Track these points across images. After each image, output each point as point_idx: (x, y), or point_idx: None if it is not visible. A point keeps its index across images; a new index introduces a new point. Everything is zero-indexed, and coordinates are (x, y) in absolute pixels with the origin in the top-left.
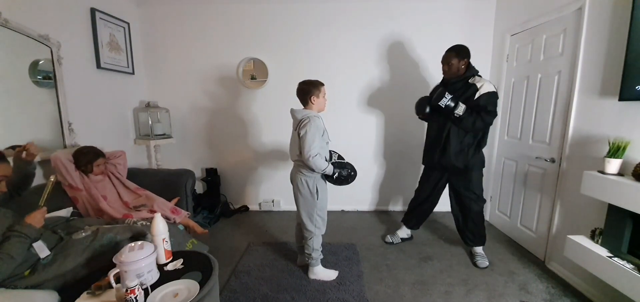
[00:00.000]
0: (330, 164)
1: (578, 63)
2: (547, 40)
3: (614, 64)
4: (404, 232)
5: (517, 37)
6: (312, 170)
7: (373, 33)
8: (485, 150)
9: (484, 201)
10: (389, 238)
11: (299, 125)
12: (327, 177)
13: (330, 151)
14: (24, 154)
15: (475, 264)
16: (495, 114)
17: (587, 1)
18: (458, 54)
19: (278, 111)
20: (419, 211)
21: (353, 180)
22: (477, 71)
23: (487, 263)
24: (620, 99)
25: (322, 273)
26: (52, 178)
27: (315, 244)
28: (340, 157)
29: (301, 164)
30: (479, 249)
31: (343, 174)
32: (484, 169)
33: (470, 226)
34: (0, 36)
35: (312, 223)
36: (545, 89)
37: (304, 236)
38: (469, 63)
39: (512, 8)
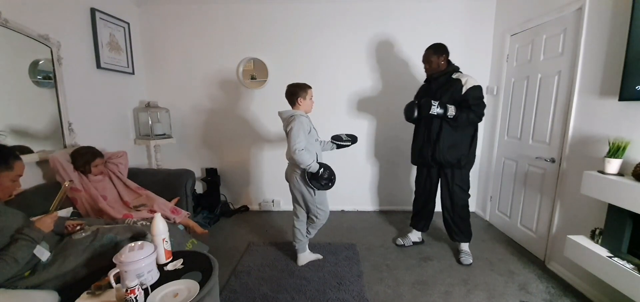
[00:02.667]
0: (315, 162)
1: (578, 63)
2: (547, 40)
3: (614, 64)
4: (415, 235)
5: (517, 37)
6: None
7: (373, 33)
8: (485, 150)
9: (469, 195)
10: (400, 241)
11: (286, 123)
12: (310, 176)
13: (340, 134)
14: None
15: (459, 261)
16: (484, 105)
17: (587, 1)
18: (435, 51)
19: (278, 111)
20: (425, 211)
21: (332, 185)
22: (458, 67)
23: (471, 260)
24: (620, 99)
25: (310, 256)
26: (67, 184)
27: (317, 227)
28: (348, 135)
29: (294, 162)
30: (464, 246)
31: (325, 175)
32: (480, 168)
33: (457, 220)
34: (0, 36)
35: (313, 214)
36: (545, 89)
37: (311, 218)
38: (449, 59)
39: (512, 8)
